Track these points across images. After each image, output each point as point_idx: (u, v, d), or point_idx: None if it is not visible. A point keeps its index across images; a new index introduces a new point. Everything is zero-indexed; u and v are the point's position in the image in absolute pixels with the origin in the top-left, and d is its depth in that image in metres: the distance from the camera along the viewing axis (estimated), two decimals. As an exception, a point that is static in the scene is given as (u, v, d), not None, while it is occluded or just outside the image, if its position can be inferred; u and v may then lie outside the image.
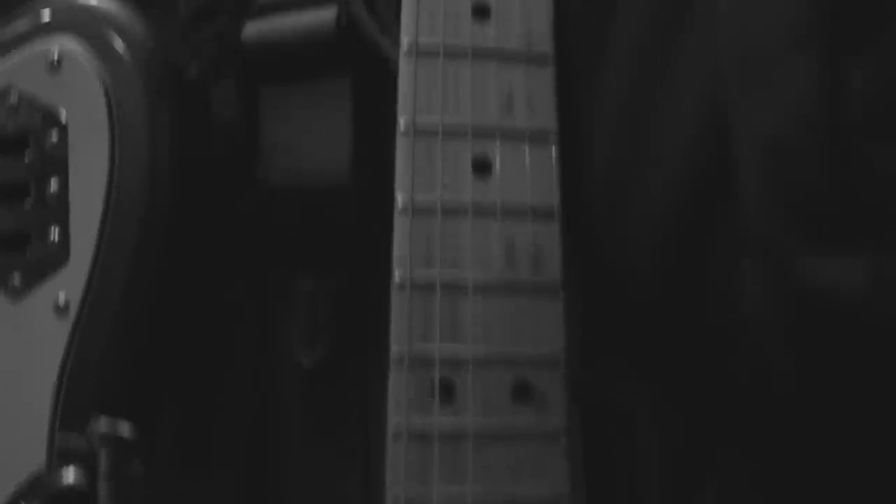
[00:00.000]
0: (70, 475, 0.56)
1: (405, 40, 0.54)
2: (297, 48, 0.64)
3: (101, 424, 0.56)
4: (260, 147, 0.66)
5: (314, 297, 0.66)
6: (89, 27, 0.59)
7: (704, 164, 0.50)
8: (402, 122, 0.53)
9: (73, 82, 0.59)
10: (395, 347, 0.51)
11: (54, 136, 0.58)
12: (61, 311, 0.58)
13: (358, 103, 0.64)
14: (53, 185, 0.58)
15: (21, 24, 0.61)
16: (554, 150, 0.53)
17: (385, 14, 0.63)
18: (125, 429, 0.57)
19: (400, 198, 0.52)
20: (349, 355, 0.64)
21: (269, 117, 0.66)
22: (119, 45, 0.59)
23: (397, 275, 0.52)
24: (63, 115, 0.59)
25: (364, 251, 0.62)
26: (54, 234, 0.58)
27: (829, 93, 0.43)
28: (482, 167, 0.53)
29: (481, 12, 0.54)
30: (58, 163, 0.58)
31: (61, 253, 0.58)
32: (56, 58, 0.59)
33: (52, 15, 0.60)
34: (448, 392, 0.50)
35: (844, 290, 0.45)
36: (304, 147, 0.65)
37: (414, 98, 0.53)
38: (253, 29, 0.66)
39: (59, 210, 0.58)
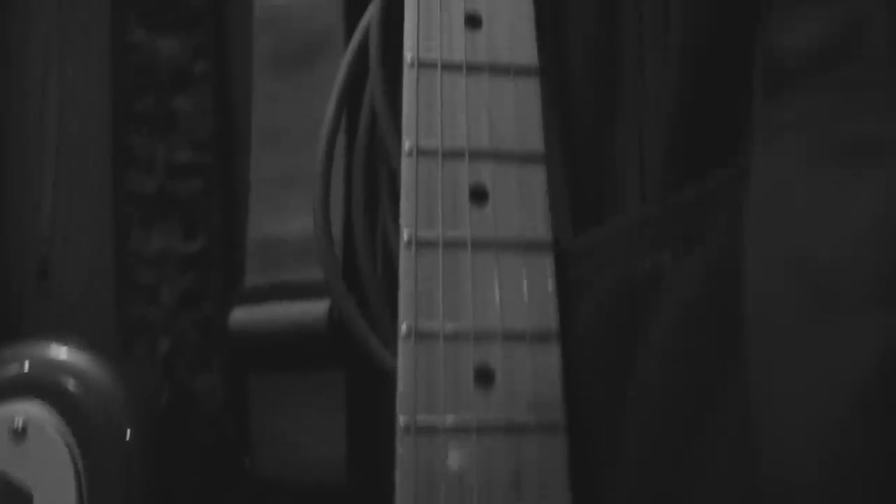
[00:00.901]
0: None
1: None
2: (287, 339, 0.62)
3: None
4: (249, 437, 0.63)
5: None
6: (55, 389, 0.56)
7: None
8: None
9: (38, 451, 0.55)
10: None
11: (19, 512, 0.54)
12: None
13: (352, 397, 0.61)
14: (19, 570, 0.54)
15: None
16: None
17: (378, 307, 0.59)
18: None
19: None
20: None
21: (259, 408, 0.64)
22: (86, 406, 0.56)
23: None
24: (28, 488, 0.55)
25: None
26: None
27: None
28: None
29: (485, 378, 0.50)
30: (24, 543, 0.54)
31: None
32: (20, 425, 0.55)
33: (17, 375, 0.57)
34: None
35: None
36: (297, 440, 0.62)
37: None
38: (240, 316, 0.63)
39: None
